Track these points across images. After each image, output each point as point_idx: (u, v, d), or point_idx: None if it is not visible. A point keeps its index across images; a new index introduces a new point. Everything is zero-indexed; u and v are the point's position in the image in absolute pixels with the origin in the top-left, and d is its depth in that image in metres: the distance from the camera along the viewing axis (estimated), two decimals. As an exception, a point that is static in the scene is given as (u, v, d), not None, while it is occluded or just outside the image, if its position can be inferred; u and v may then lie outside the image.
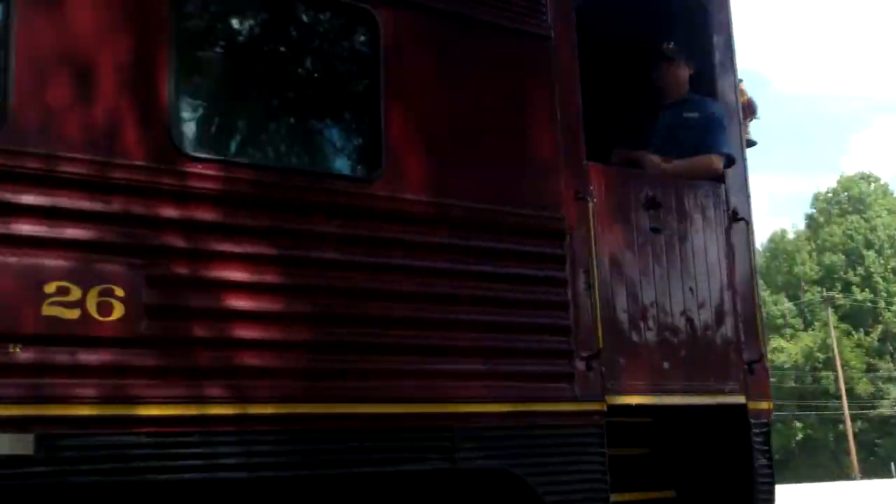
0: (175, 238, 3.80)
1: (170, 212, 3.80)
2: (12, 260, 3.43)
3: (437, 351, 4.40)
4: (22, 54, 3.57)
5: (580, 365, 4.77)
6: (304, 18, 4.67)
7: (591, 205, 4.94)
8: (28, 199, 3.51)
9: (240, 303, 3.92)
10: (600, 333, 4.83)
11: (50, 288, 3.47)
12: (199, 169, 3.90)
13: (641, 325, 5.08)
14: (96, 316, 3.55)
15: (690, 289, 5.30)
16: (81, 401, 3.53)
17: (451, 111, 4.68)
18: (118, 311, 3.60)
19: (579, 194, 4.94)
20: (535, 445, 4.64)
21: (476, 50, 4.81)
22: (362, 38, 4.63)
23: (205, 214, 3.88)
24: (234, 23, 4.50)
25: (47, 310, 3.46)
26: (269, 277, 4.02)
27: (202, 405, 3.80)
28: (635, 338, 5.05)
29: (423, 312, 4.40)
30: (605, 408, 4.81)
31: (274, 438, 3.98)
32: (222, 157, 4.16)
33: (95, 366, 3.58)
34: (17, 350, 3.41)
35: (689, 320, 5.26)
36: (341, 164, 4.83)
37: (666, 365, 5.13)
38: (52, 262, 3.50)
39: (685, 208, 5.44)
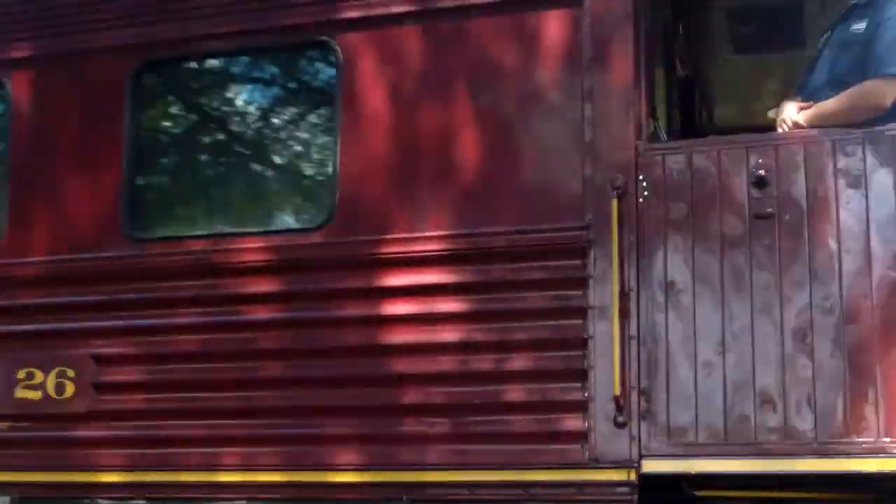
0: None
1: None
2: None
3: (397, 410, 3.94)
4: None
5: (601, 420, 3.72)
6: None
7: (637, 202, 3.82)
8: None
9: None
10: (637, 378, 3.71)
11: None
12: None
13: (717, 361, 3.69)
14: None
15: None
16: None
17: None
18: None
19: (617, 190, 3.82)
20: None
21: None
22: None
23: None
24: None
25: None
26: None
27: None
28: (706, 380, 3.68)
29: (377, 367, 4.00)
30: (633, 477, 3.64)
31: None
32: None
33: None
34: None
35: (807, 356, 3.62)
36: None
37: (756, 419, 3.61)
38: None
39: (805, 183, 3.70)
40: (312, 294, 4.10)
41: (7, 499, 4.24)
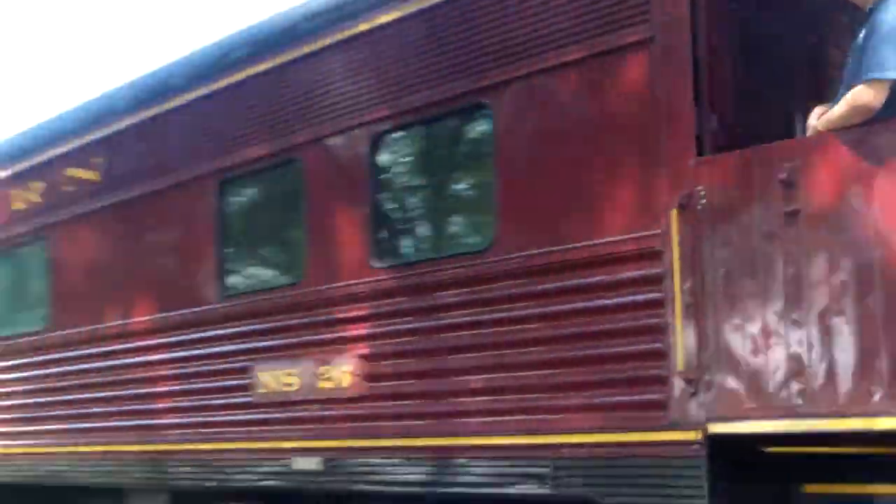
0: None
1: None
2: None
3: (539, 388, 5.12)
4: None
5: (677, 391, 4.60)
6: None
7: (698, 209, 4.58)
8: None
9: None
10: (704, 355, 4.53)
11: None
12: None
13: (769, 339, 4.37)
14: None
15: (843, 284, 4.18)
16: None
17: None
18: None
19: (682, 202, 4.62)
20: (626, 475, 4.74)
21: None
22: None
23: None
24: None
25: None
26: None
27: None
28: (759, 355, 4.38)
29: (530, 355, 5.19)
30: (701, 436, 4.46)
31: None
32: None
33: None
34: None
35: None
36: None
37: (801, 385, 4.26)
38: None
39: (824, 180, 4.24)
40: (489, 300, 5.40)
41: (316, 459, 6.07)
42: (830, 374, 4.14)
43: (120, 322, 7.66)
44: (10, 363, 8.69)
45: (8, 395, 8.66)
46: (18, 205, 8.74)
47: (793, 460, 4.61)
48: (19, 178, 8.81)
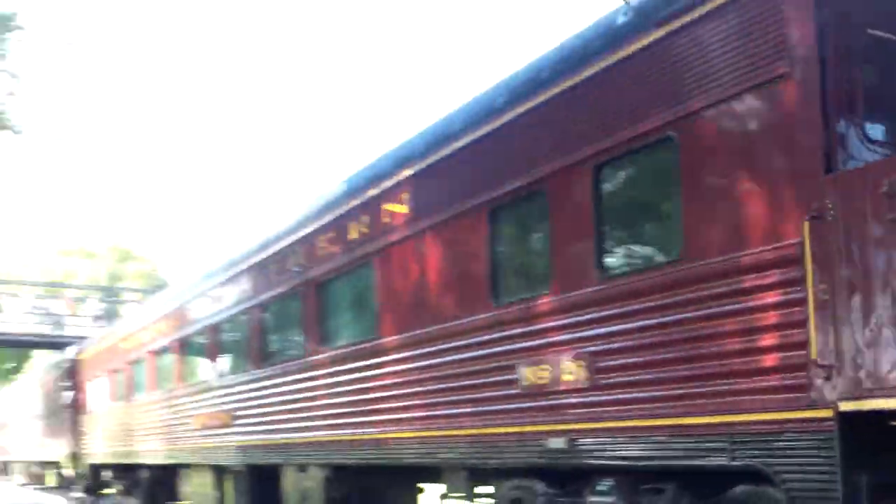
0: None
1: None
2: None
3: (717, 376, 6.15)
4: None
5: (814, 376, 5.47)
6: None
7: (828, 218, 5.43)
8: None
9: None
10: (835, 342, 5.39)
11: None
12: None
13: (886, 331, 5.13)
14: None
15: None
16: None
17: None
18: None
19: (814, 214, 5.50)
20: (779, 448, 5.66)
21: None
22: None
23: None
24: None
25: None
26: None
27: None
28: (880, 345, 5.15)
29: (710, 348, 6.22)
30: (833, 413, 5.33)
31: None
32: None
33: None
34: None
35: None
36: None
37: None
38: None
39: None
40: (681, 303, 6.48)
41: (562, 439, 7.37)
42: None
43: (429, 328, 9.32)
44: (349, 366, 10.83)
45: (348, 393, 10.79)
46: (353, 235, 10.87)
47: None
48: (352, 214, 10.94)
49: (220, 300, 15.16)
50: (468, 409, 8.69)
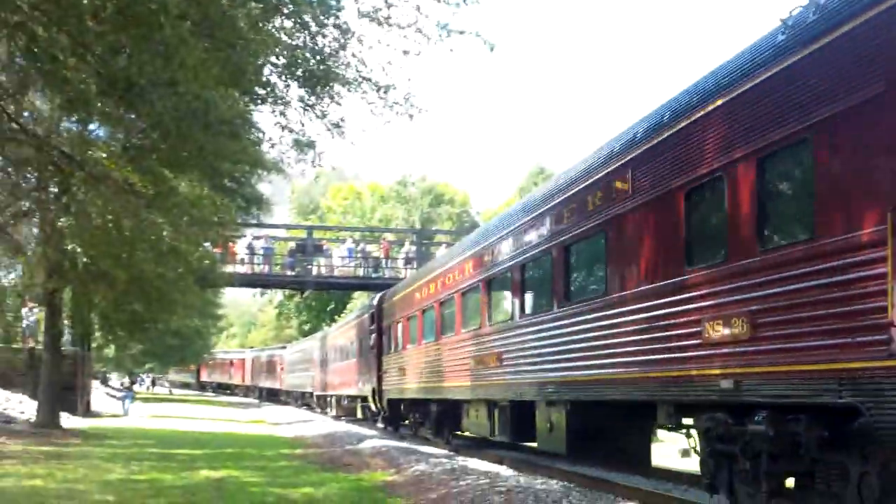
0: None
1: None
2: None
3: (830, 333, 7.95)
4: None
5: (894, 334, 7.13)
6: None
7: None
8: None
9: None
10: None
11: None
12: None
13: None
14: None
15: None
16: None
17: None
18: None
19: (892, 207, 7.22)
20: (871, 390, 7.41)
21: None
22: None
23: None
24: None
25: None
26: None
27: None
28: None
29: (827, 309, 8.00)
30: (905, 364, 7.00)
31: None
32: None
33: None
34: None
35: None
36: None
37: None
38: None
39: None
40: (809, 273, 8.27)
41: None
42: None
43: (666, 282, 10.88)
44: (585, 317, 13.19)
45: (583, 341, 13.13)
46: (589, 207, 13.06)
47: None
48: (588, 189, 13.13)
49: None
50: (670, 356, 10.60)
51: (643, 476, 14.79)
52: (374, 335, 30.36)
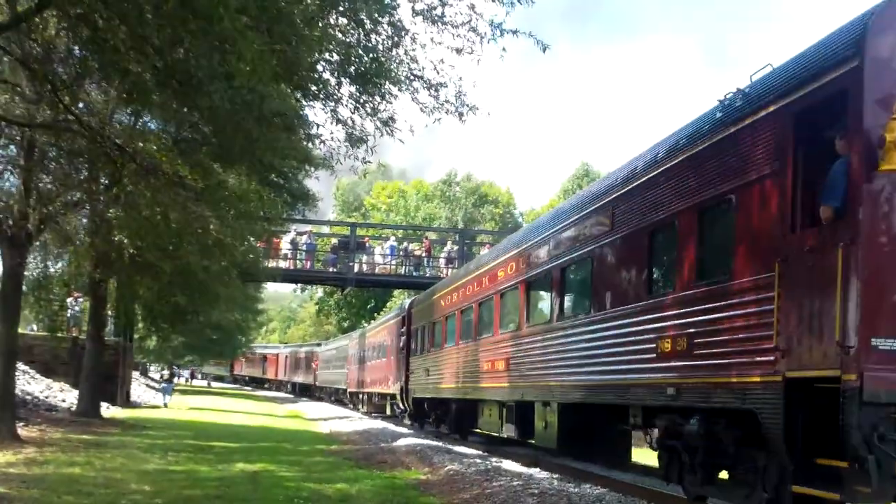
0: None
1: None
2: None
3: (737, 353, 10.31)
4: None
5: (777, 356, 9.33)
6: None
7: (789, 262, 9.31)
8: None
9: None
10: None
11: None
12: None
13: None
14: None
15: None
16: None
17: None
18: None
19: (783, 258, 9.37)
20: (762, 398, 9.62)
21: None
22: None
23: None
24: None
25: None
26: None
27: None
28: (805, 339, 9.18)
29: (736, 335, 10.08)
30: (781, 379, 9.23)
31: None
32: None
33: None
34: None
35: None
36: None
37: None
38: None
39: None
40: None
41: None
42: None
43: (634, 305, 13.12)
44: (571, 331, 15.76)
45: (570, 351, 15.70)
46: (580, 238, 15.62)
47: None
48: (581, 221, 15.53)
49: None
50: (636, 366, 12.70)
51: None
52: (403, 338, 32.81)
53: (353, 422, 36.25)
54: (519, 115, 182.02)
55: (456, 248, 44.58)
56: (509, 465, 18.35)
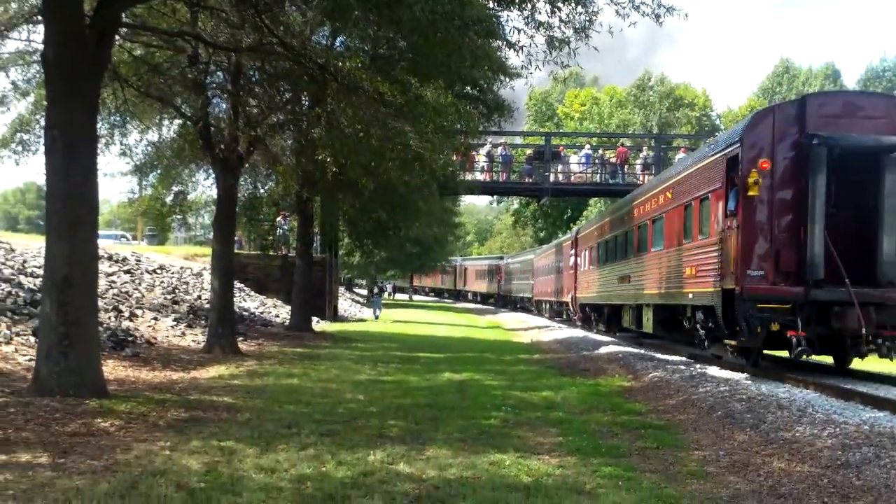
0: None
1: None
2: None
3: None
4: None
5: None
6: None
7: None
8: None
9: None
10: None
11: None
12: None
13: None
14: None
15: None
16: None
17: None
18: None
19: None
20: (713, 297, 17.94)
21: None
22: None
23: None
24: None
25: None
26: None
27: None
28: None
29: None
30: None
31: None
32: None
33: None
34: None
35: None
36: None
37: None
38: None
39: None
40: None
41: None
42: None
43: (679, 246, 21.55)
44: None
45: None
46: (653, 204, 23.86)
47: None
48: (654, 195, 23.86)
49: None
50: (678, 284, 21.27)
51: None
52: (573, 257, 39.96)
53: (553, 331, 36.50)
54: (715, 10, 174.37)
55: (652, 153, 43.53)
56: (714, 371, 18.11)
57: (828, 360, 18.07)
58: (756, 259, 15.95)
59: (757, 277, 15.86)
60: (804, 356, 15.51)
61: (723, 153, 17.43)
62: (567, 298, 41.62)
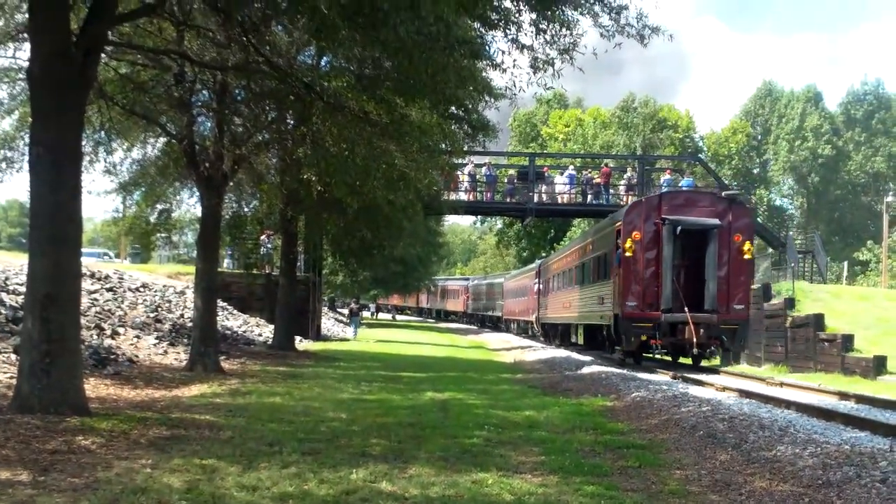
0: None
1: None
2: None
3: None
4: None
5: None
6: None
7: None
8: None
9: None
10: None
11: None
12: None
13: None
14: None
15: None
16: None
17: None
18: None
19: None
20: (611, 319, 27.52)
21: None
22: None
23: None
24: None
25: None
26: None
27: None
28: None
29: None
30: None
31: None
32: None
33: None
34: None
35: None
36: None
37: None
38: None
39: None
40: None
41: None
42: None
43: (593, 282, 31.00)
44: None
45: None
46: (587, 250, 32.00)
47: None
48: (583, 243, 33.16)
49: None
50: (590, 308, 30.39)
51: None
52: (537, 284, 47.72)
53: (536, 351, 36.66)
54: (699, 33, 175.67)
55: (636, 174, 43.73)
56: (697, 391, 18.12)
57: (687, 361, 26.28)
58: (631, 294, 24.75)
59: (632, 306, 24.67)
60: (660, 356, 26.78)
61: (614, 226, 26.81)
62: (532, 318, 50.32)
